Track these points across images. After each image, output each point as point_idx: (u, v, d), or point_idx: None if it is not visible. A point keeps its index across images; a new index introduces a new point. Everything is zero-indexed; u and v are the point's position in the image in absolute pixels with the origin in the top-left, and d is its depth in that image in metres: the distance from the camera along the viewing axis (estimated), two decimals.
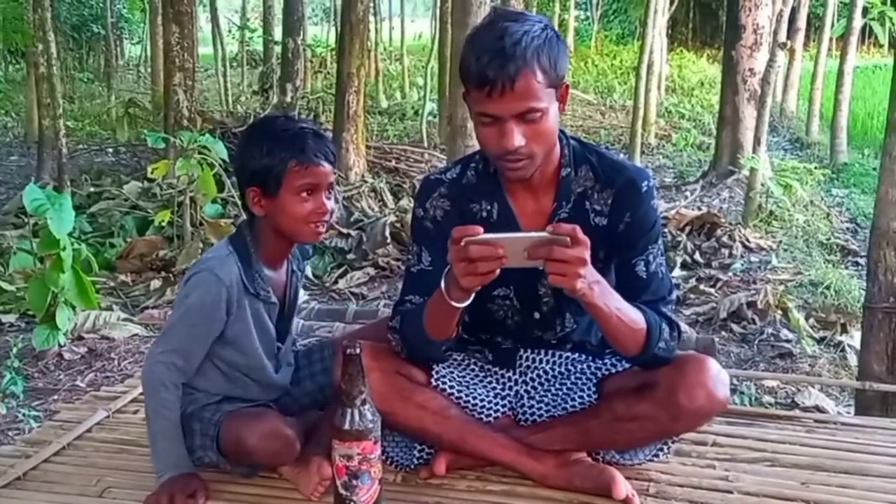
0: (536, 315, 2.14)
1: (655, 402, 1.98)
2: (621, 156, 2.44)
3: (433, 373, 2.17)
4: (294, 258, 2.31)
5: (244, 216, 2.26)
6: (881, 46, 21.68)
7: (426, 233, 2.09)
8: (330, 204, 2.16)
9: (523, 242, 1.73)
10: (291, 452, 2.11)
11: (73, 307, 4.36)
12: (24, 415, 3.64)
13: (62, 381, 4.15)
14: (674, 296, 2.08)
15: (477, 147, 2.09)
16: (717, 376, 1.96)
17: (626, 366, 2.15)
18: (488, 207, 2.08)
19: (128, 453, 2.36)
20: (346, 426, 1.83)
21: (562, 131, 2.03)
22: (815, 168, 8.69)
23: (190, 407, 2.21)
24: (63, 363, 4.36)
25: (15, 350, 4.01)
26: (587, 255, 1.73)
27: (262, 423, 2.11)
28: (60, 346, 4.39)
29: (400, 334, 2.08)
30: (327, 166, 2.12)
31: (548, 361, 2.21)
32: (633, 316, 1.91)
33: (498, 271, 1.74)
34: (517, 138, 1.85)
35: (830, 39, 13.77)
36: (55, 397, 3.96)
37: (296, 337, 2.49)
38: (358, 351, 1.83)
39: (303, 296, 5.16)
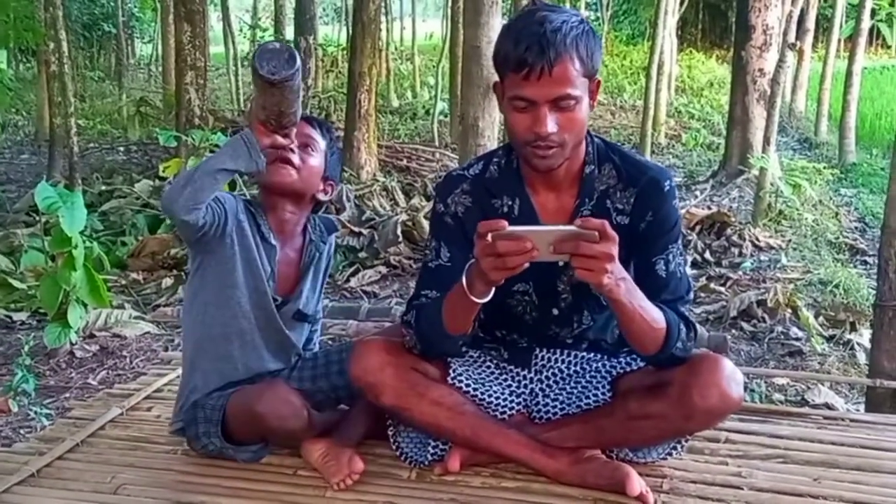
0: (555, 311, 2.14)
1: (669, 402, 1.99)
2: (643, 156, 2.45)
3: (450, 370, 2.18)
4: (314, 236, 2.38)
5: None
6: (889, 47, 21.65)
7: (446, 228, 2.10)
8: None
9: (550, 236, 1.73)
10: (300, 418, 2.14)
11: (85, 305, 4.37)
12: (35, 413, 3.65)
13: (74, 379, 4.17)
14: (691, 296, 2.08)
15: (489, 147, 2.10)
16: (731, 376, 1.97)
17: (641, 365, 2.16)
18: (510, 203, 2.09)
19: (142, 450, 2.38)
20: None
21: (588, 134, 2.05)
22: (824, 168, 8.68)
23: (193, 396, 2.25)
24: (75, 361, 4.37)
25: (26, 348, 4.02)
26: (615, 250, 1.73)
27: (270, 390, 2.15)
28: (72, 344, 4.39)
29: (415, 329, 2.08)
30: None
31: (563, 360, 2.22)
32: (654, 315, 1.92)
33: (526, 265, 1.74)
34: (550, 124, 1.87)
35: (839, 40, 13.75)
36: (67, 395, 3.96)
37: (309, 328, 2.50)
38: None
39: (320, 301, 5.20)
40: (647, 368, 2.12)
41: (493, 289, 1.84)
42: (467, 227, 1.97)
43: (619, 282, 1.80)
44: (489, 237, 1.72)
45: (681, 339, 1.98)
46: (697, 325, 2.09)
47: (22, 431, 3.59)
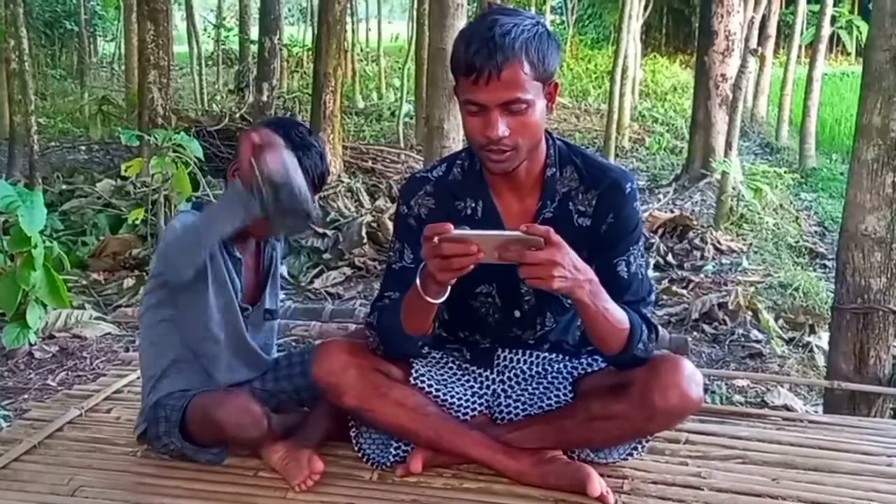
0: (517, 313, 2.15)
1: (630, 402, 2.00)
2: (606, 159, 2.46)
3: (412, 371, 2.18)
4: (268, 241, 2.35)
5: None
6: (848, 54, 22.05)
7: (409, 230, 2.10)
8: None
9: (495, 241, 1.74)
10: (260, 426, 2.12)
11: (45, 305, 4.31)
12: None
13: (33, 380, 4.11)
14: (653, 297, 2.10)
15: (454, 149, 2.11)
16: (691, 377, 1.98)
17: (602, 366, 2.17)
18: (473, 205, 2.09)
19: (101, 452, 2.35)
20: None
21: (548, 132, 2.06)
22: (785, 172, 8.80)
23: (154, 396, 2.23)
24: (34, 362, 4.32)
25: None
26: (560, 256, 1.74)
27: (230, 398, 2.14)
28: (31, 344, 4.34)
29: (377, 330, 2.09)
30: None
31: (525, 361, 2.23)
32: (618, 315, 1.93)
33: (472, 266, 1.75)
34: (501, 128, 1.87)
35: (800, 47, 13.95)
36: (25, 396, 3.91)
37: (277, 325, 2.49)
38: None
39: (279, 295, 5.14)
40: (608, 369, 2.14)
41: (448, 289, 1.85)
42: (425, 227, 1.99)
43: (584, 283, 1.81)
44: (436, 239, 1.73)
45: (642, 341, 1.99)
46: (659, 327, 2.11)
47: None
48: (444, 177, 2.13)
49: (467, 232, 1.76)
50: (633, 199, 2.06)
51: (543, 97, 1.92)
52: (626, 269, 2.04)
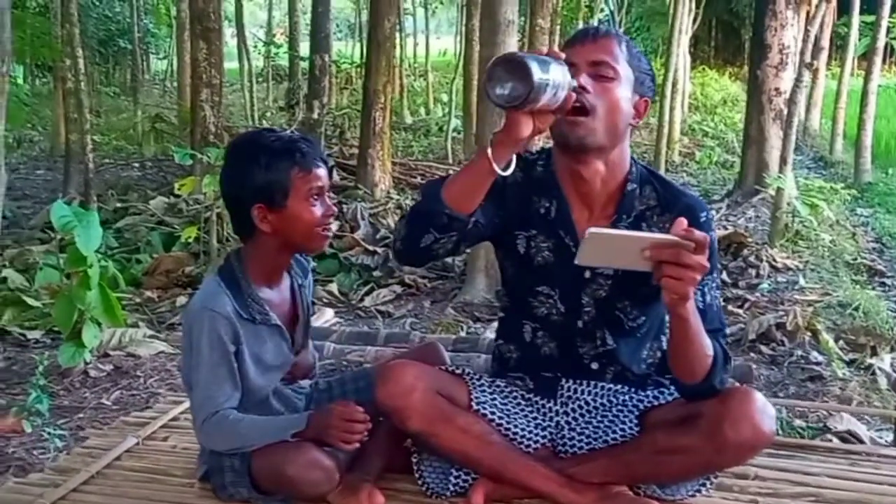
0: (579, 324, 2.11)
1: (699, 435, 1.94)
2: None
3: (472, 397, 2.14)
4: (296, 275, 2.30)
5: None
6: None
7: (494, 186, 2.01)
8: (333, 205, 2.18)
9: (645, 241, 1.72)
10: (332, 482, 2.08)
11: (100, 324, 4.34)
12: (49, 433, 3.61)
13: (88, 400, 4.13)
14: (727, 329, 2.05)
15: None
16: (764, 409, 1.92)
17: (669, 398, 2.12)
18: (547, 205, 2.09)
19: (158, 483, 2.33)
20: None
21: (632, 156, 2.09)
22: (841, 187, 8.62)
23: None
24: (89, 381, 4.34)
25: (41, 367, 3.99)
26: (706, 265, 1.72)
27: (301, 454, 2.07)
28: (86, 363, 4.36)
29: (412, 209, 2.01)
30: (325, 168, 2.15)
31: (589, 392, 2.18)
32: (706, 341, 1.90)
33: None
34: (585, 78, 1.92)
35: (853, 59, 13.71)
36: (80, 415, 3.93)
37: (324, 358, 2.47)
38: None
39: (330, 314, 5.15)
40: (676, 402, 2.08)
41: (513, 164, 1.85)
42: (507, 193, 2.03)
43: (690, 302, 1.79)
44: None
45: (724, 371, 1.95)
46: (732, 358, 2.05)
47: (35, 452, 3.55)
48: (532, 166, 2.13)
49: (619, 232, 1.79)
50: (709, 229, 2.01)
51: (632, 96, 1.99)
52: (701, 300, 1.98)
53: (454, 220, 1.91)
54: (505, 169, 1.84)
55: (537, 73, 1.70)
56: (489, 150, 1.83)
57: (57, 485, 2.30)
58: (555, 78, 1.74)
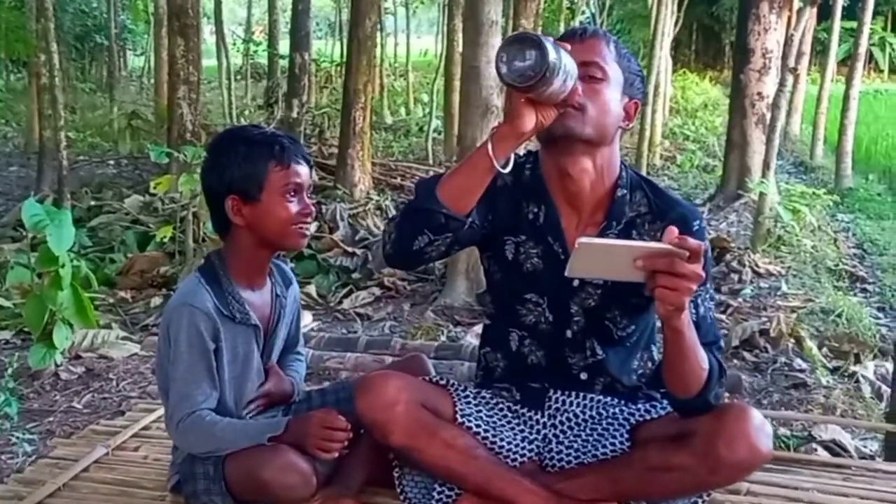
0: (568, 333, 2.04)
1: (693, 453, 1.87)
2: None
3: (457, 409, 2.07)
4: (276, 283, 2.24)
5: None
6: (881, 71, 21.82)
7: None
8: (311, 205, 2.13)
9: (639, 250, 1.64)
10: (309, 487, 2.01)
11: (71, 325, 4.25)
12: (18, 438, 3.52)
13: (58, 403, 4.04)
14: (722, 343, 1.98)
15: None
16: (761, 427, 1.85)
17: (661, 412, 2.05)
18: (535, 210, 2.03)
19: (128, 496, 2.25)
20: None
21: (622, 161, 2.04)
22: (822, 193, 8.63)
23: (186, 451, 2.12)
24: (60, 383, 4.24)
25: (10, 370, 3.90)
26: (702, 274, 1.66)
27: (276, 456, 2.01)
28: (57, 365, 4.27)
29: (404, 209, 1.94)
30: (306, 167, 2.11)
31: (578, 404, 2.11)
32: (702, 354, 1.84)
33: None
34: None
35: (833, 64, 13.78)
36: (51, 419, 3.84)
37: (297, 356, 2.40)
38: None
39: (308, 318, 5.07)
40: (668, 417, 2.02)
41: (512, 161, 1.81)
42: (497, 197, 1.97)
43: (685, 313, 1.73)
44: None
45: (719, 385, 1.89)
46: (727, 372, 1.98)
47: (3, 457, 3.47)
48: (521, 168, 2.06)
49: (611, 241, 1.73)
50: (702, 238, 1.93)
51: (621, 98, 1.95)
52: (694, 311, 1.91)
53: (451, 221, 1.84)
54: (504, 166, 1.79)
55: (552, 53, 1.65)
56: (489, 146, 1.78)
57: (21, 497, 2.22)
58: (567, 63, 1.70)
